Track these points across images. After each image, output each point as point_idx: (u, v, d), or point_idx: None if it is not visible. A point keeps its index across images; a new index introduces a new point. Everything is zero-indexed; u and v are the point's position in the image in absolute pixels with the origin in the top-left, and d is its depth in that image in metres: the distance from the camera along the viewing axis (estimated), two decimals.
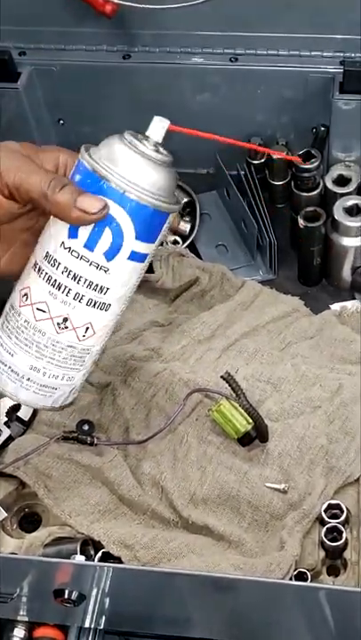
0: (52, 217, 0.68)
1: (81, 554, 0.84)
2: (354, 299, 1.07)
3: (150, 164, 0.66)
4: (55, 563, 0.78)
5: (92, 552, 0.86)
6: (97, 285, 0.68)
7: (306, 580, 0.83)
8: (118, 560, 0.84)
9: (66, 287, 0.67)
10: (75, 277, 0.67)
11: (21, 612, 0.86)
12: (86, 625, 0.86)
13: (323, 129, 1.09)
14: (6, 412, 0.95)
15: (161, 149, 0.67)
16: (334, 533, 0.84)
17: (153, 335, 1.02)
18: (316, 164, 1.06)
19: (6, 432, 0.94)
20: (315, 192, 1.06)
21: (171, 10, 1.01)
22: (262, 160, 1.13)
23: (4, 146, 0.69)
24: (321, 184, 1.06)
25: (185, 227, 1.13)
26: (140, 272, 0.70)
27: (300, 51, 1.06)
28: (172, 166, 0.68)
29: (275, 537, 0.85)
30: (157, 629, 0.87)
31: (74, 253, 0.67)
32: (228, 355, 0.99)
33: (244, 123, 1.12)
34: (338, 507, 0.85)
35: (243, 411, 0.88)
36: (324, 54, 1.06)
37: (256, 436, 0.89)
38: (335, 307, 1.05)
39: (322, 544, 0.85)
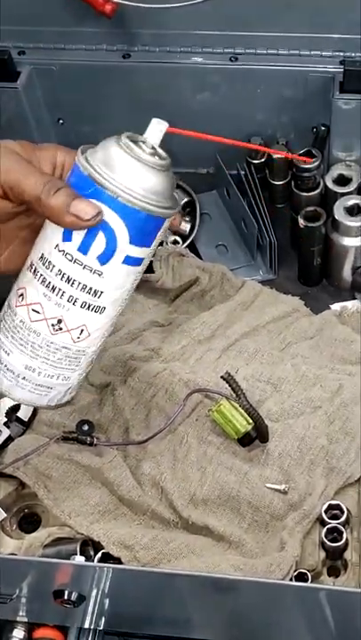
0: None
1: (81, 554, 0.84)
2: (354, 299, 1.07)
3: (146, 168, 0.65)
4: (55, 563, 0.78)
5: (92, 553, 0.86)
6: (91, 289, 0.67)
7: (306, 580, 0.82)
8: (118, 561, 0.84)
9: (60, 290, 0.67)
10: (69, 280, 0.67)
11: (21, 613, 0.86)
12: (86, 626, 0.86)
13: (323, 128, 1.09)
14: (6, 413, 0.95)
15: (159, 152, 0.67)
16: (335, 534, 0.84)
17: (153, 335, 1.02)
18: (316, 163, 1.06)
19: (6, 432, 0.94)
20: (315, 192, 1.06)
21: (171, 9, 1.01)
22: (262, 160, 1.13)
23: (1, 145, 0.69)
24: (321, 184, 1.06)
25: (185, 226, 1.13)
26: (137, 275, 0.70)
27: (300, 50, 1.06)
28: (169, 169, 0.67)
29: (275, 537, 0.85)
30: (157, 630, 0.87)
31: (68, 256, 0.67)
32: (228, 355, 0.99)
33: (245, 122, 1.12)
34: (338, 507, 0.85)
35: (243, 411, 0.88)
36: (324, 54, 1.06)
37: (256, 436, 0.89)
38: (335, 307, 1.05)
39: (322, 545, 0.84)
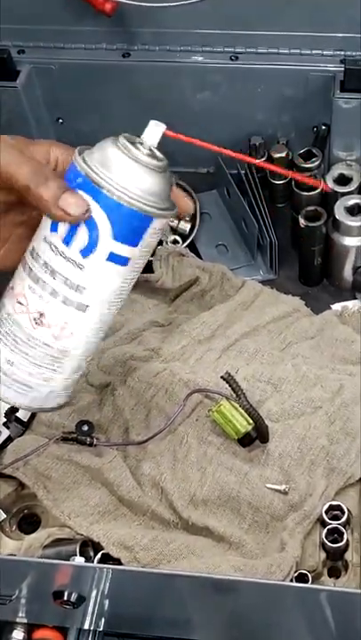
0: None
1: (80, 555, 0.84)
2: (355, 299, 1.06)
3: (138, 166, 0.65)
4: (54, 564, 0.78)
5: (92, 553, 0.86)
6: (72, 283, 0.67)
7: (307, 581, 0.82)
8: (118, 561, 0.84)
9: (43, 282, 0.67)
10: (52, 272, 0.66)
11: (20, 614, 0.86)
12: (86, 627, 0.86)
13: (324, 128, 1.08)
14: (5, 413, 0.94)
15: (156, 154, 0.66)
16: (335, 535, 0.84)
17: (153, 335, 1.02)
18: (316, 163, 1.05)
19: (5, 433, 0.94)
20: (316, 191, 1.06)
21: (171, 8, 1.01)
22: (263, 159, 1.12)
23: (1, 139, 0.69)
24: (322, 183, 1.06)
25: (185, 226, 1.13)
26: (125, 276, 0.68)
27: (301, 49, 1.06)
28: (165, 172, 0.66)
29: (275, 538, 0.85)
30: (157, 631, 0.87)
31: (53, 247, 0.66)
32: (228, 355, 0.98)
33: (245, 121, 1.12)
34: (339, 508, 0.85)
35: (243, 411, 0.88)
36: (325, 53, 1.06)
37: (256, 436, 0.89)
38: (336, 307, 1.05)
39: (323, 545, 0.84)
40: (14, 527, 0.90)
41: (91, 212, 0.64)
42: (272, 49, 1.06)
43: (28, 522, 0.91)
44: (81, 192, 0.65)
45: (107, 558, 0.84)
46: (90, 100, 1.12)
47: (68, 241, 0.66)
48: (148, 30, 1.08)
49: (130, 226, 0.65)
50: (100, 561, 0.84)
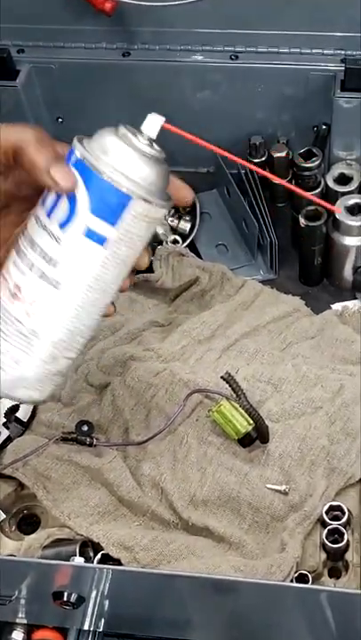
0: None
1: (80, 555, 0.84)
2: (355, 298, 1.06)
3: (126, 147, 0.65)
4: (54, 565, 0.78)
5: (92, 554, 0.86)
6: (48, 256, 0.66)
7: (307, 582, 0.82)
8: (118, 562, 0.84)
9: (24, 254, 0.67)
10: (32, 244, 0.67)
11: (20, 615, 0.86)
12: (85, 627, 0.86)
13: (324, 127, 1.08)
14: (5, 413, 0.94)
15: (153, 145, 0.66)
16: (336, 535, 0.83)
17: (153, 335, 1.02)
18: (317, 162, 1.05)
19: (5, 433, 0.94)
20: (316, 191, 1.05)
21: (171, 7, 1.01)
22: (263, 158, 1.12)
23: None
24: (322, 183, 1.06)
25: (185, 226, 1.13)
26: (104, 261, 0.67)
27: (301, 48, 1.06)
28: (159, 163, 0.66)
29: (275, 539, 0.85)
30: (157, 632, 0.87)
31: (37, 219, 0.67)
32: (228, 355, 0.98)
33: (245, 121, 1.12)
34: (339, 508, 0.85)
35: (243, 411, 0.88)
36: (325, 52, 1.05)
37: (257, 436, 0.89)
38: (336, 306, 1.04)
39: (323, 546, 0.84)
40: (14, 527, 0.90)
41: (77, 185, 0.65)
42: (272, 48, 1.06)
43: (28, 522, 0.90)
44: (72, 167, 0.65)
45: (106, 559, 0.84)
46: (90, 99, 1.12)
47: (49, 213, 0.66)
48: (148, 29, 1.07)
49: (107, 200, 0.65)
50: (100, 561, 0.84)
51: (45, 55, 1.10)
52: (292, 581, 0.81)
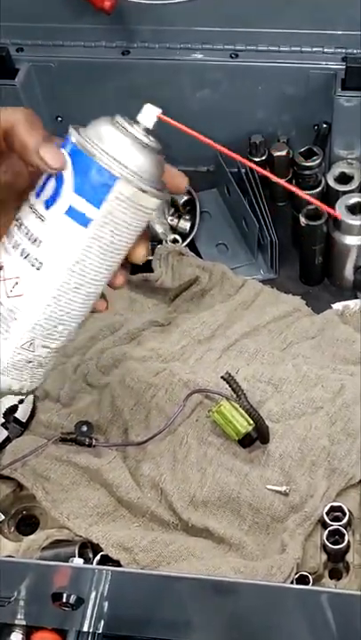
0: None
1: (79, 557, 0.84)
2: (356, 298, 1.06)
3: (118, 133, 0.65)
4: (53, 566, 0.78)
5: (91, 555, 0.85)
6: (32, 235, 0.66)
7: (307, 583, 0.82)
8: (117, 563, 0.83)
9: (12, 234, 0.67)
10: (19, 223, 0.66)
11: (19, 616, 0.85)
12: (85, 629, 0.86)
13: (325, 126, 1.08)
14: (3, 414, 0.94)
15: (149, 135, 0.66)
16: (336, 536, 0.83)
17: (152, 335, 1.01)
18: (317, 161, 1.05)
19: (4, 433, 0.93)
20: (316, 190, 1.05)
21: (170, 5, 1.01)
22: (263, 157, 1.12)
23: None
24: (323, 182, 1.05)
25: (185, 225, 1.13)
26: (87, 243, 0.65)
27: (302, 47, 1.06)
28: (153, 152, 0.66)
29: (276, 540, 0.84)
30: (157, 633, 0.86)
31: (27, 202, 0.67)
32: (228, 355, 0.98)
33: (245, 120, 1.12)
34: (340, 509, 0.85)
35: (243, 412, 0.88)
36: (326, 50, 1.05)
37: (257, 437, 0.89)
38: (337, 306, 1.04)
39: (324, 547, 0.84)
40: (13, 528, 0.89)
41: (65, 166, 0.65)
42: (273, 46, 1.06)
43: (27, 523, 0.90)
44: (64, 151, 0.65)
45: (106, 560, 0.84)
46: (89, 97, 1.12)
47: (38, 193, 0.66)
48: (148, 28, 1.07)
49: (91, 180, 0.64)
50: (100, 562, 0.84)
51: (45, 54, 1.09)
52: (292, 583, 0.81)
